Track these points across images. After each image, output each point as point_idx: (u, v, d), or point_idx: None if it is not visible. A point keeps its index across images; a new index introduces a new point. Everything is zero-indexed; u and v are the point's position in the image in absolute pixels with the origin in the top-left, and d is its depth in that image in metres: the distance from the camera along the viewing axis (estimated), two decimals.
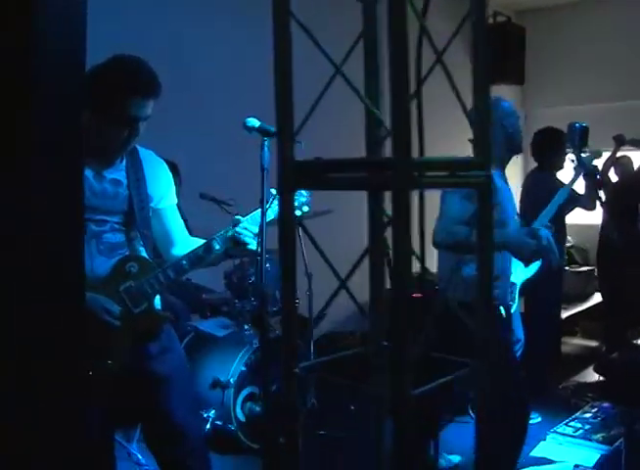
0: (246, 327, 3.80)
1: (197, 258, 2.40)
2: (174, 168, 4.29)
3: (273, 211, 2.45)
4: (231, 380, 3.51)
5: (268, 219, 2.41)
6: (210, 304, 4.27)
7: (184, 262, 2.39)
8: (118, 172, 2.32)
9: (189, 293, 4.27)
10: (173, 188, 2.49)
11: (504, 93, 6.41)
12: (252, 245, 2.41)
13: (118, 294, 2.30)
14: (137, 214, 2.32)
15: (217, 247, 2.42)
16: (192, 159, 4.49)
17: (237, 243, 2.41)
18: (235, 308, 3.91)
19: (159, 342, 2.39)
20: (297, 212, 2.60)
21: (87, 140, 2.11)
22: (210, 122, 4.84)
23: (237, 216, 2.46)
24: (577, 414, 4.05)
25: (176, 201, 2.51)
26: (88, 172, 2.23)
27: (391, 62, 0.89)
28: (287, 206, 1.05)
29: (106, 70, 2.18)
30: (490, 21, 7.27)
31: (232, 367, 3.55)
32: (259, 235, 2.39)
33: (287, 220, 1.04)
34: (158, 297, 2.47)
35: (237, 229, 2.41)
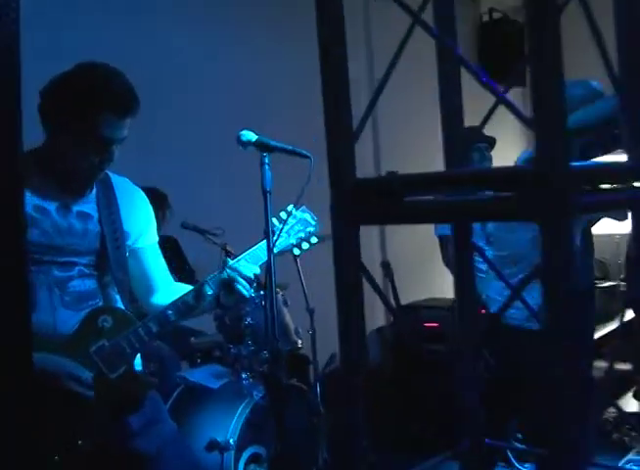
0: (244, 376, 3.42)
1: (185, 308, 2.09)
2: (163, 199, 4.01)
3: (277, 246, 2.10)
4: (230, 440, 3.12)
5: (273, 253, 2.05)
6: (200, 349, 3.91)
7: (169, 313, 2.07)
8: (87, 205, 2.03)
9: (176, 336, 3.90)
10: (154, 223, 2.20)
11: None
12: (246, 291, 2.08)
13: (89, 356, 1.97)
14: (111, 255, 2.02)
15: (210, 292, 2.11)
16: (177, 183, 4.22)
17: (230, 288, 2.09)
18: (230, 354, 3.53)
19: (142, 413, 2.06)
20: (304, 246, 2.26)
21: (50, 166, 1.90)
22: (197, 140, 4.55)
23: (228, 259, 2.15)
24: (631, 456, 3.67)
25: (157, 239, 2.21)
26: (50, 205, 1.94)
27: (532, 26, 0.54)
28: (345, 249, 0.70)
29: (71, 80, 1.89)
30: (486, 18, 7.01)
31: (231, 425, 3.16)
32: (267, 274, 2.02)
33: (346, 273, 0.69)
34: (138, 355, 2.12)
35: (229, 270, 2.08)
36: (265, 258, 2.11)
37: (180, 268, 4.22)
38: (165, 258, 2.29)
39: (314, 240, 2.30)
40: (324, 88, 0.75)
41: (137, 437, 2.02)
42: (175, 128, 4.50)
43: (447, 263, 3.86)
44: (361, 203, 0.73)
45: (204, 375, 3.52)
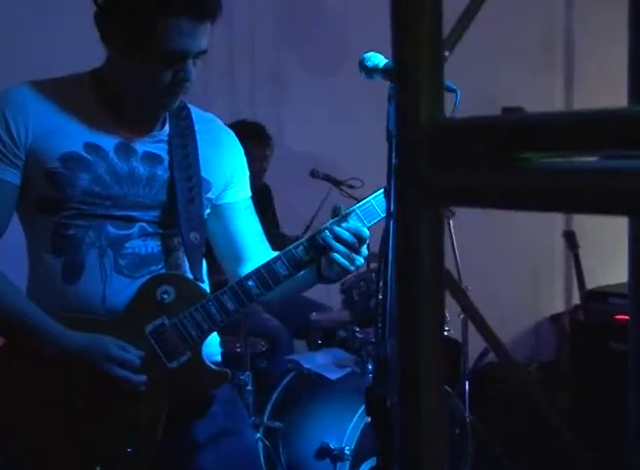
0: (370, 367, 3.18)
1: (272, 277, 1.81)
2: (259, 132, 3.83)
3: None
4: (346, 448, 2.92)
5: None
6: (322, 327, 3.71)
7: (250, 284, 1.80)
8: (157, 144, 1.86)
9: (293, 308, 3.76)
10: (246, 172, 2.00)
11: None
12: (346, 261, 1.77)
13: (144, 338, 1.77)
14: (181, 209, 1.81)
15: (307, 258, 1.83)
16: (295, 120, 3.96)
17: (328, 255, 1.79)
18: (355, 338, 3.32)
19: (212, 420, 1.84)
20: None
21: (108, 92, 1.79)
22: (318, 64, 4.33)
23: (336, 205, 1.84)
24: None
25: (249, 193, 2.00)
26: (107, 143, 1.78)
27: None
28: (412, 247, 0.53)
29: None
30: None
31: (348, 429, 2.96)
32: (385, 240, 1.67)
33: (411, 287, 0.54)
34: (215, 338, 1.92)
35: (327, 231, 1.79)
36: (383, 215, 1.77)
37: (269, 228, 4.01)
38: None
39: None
40: None
41: (201, 451, 1.80)
42: (287, 46, 4.23)
43: None
44: (450, 165, 0.51)
45: (321, 362, 3.34)
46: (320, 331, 3.72)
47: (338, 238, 1.76)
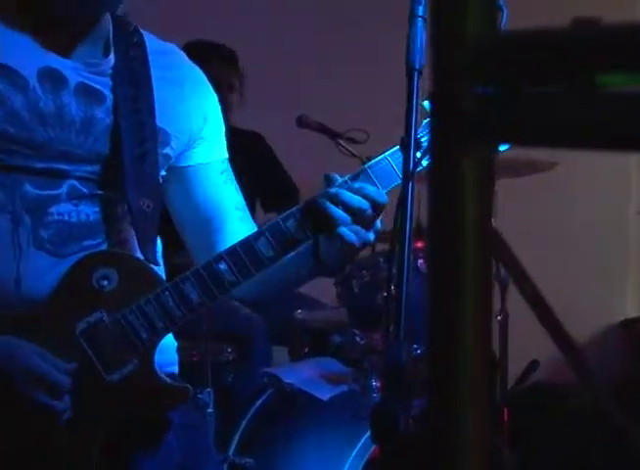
0: (374, 383, 3.28)
1: (253, 259, 1.87)
2: (222, 52, 4.05)
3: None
4: None
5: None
6: (310, 330, 3.82)
7: (222, 267, 1.86)
8: (97, 76, 1.90)
9: (270, 303, 3.80)
10: (222, 126, 2.09)
11: None
12: (354, 236, 1.83)
13: (74, 340, 1.82)
14: (128, 167, 1.88)
15: (300, 235, 1.89)
16: (278, 56, 4.19)
17: (329, 229, 1.85)
18: (354, 344, 3.41)
19: (165, 452, 1.91)
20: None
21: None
22: None
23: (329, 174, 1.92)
24: None
25: (226, 154, 2.10)
26: (26, 65, 1.82)
27: None
28: (451, 198, 0.55)
29: None
30: None
31: (345, 466, 3.05)
32: (397, 212, 1.71)
33: (449, 253, 0.55)
34: (171, 341, 2.00)
35: (326, 197, 1.85)
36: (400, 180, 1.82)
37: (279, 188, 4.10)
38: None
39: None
40: None
41: None
42: None
43: None
44: (504, 93, 0.54)
45: (308, 376, 3.44)
46: (308, 334, 3.84)
47: (342, 203, 1.80)
